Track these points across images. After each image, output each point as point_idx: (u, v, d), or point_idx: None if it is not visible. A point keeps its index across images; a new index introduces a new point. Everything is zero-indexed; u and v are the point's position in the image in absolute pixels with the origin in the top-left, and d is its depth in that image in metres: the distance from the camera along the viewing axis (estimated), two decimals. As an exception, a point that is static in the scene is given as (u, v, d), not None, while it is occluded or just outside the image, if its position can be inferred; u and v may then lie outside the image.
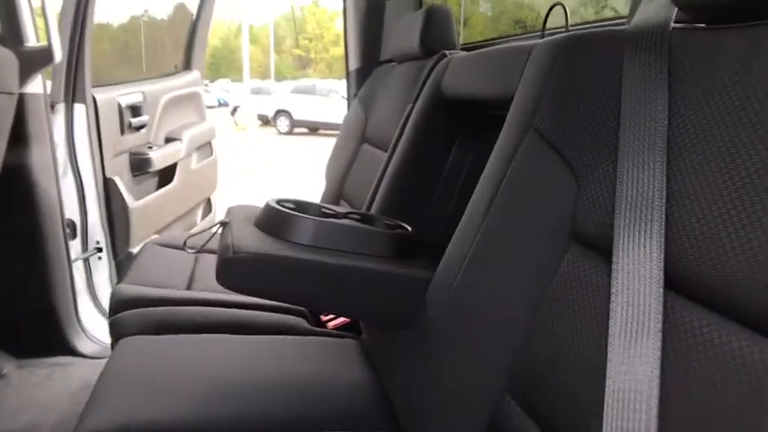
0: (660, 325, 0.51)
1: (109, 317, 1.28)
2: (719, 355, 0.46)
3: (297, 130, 14.89)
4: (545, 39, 0.82)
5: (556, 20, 1.27)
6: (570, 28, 1.22)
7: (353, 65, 2.03)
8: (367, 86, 1.85)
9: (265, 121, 15.93)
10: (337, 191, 1.75)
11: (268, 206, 0.97)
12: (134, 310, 1.23)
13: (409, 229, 1.03)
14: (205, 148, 2.81)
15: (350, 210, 1.09)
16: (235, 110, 16.55)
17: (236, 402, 0.93)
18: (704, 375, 0.47)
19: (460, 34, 2.14)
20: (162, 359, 1.05)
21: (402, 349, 0.90)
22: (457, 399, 0.76)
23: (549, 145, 0.72)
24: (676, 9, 0.63)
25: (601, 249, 0.60)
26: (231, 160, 6.83)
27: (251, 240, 0.87)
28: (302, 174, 6.64)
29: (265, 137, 13.92)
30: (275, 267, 0.84)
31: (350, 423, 0.94)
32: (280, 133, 14.80)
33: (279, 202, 1.00)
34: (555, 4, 1.17)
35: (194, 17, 2.73)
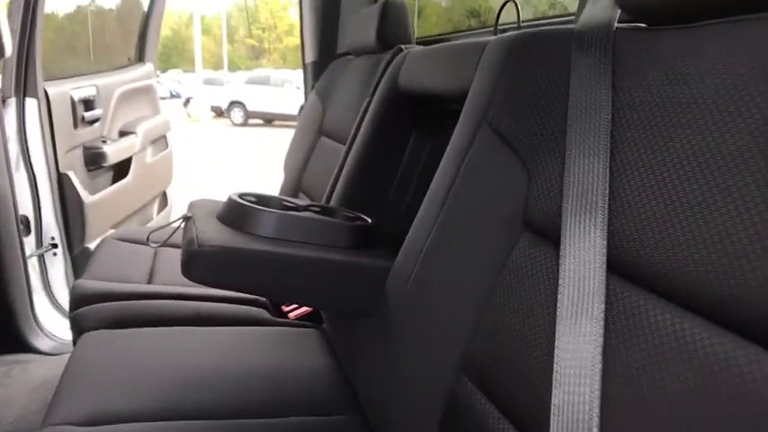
0: (603, 306, 0.56)
1: (70, 312, 1.27)
2: (658, 335, 0.50)
3: (251, 121, 14.72)
4: (498, 36, 0.86)
5: (508, 16, 1.31)
6: (521, 24, 1.27)
7: (310, 57, 2.05)
8: (324, 79, 1.87)
9: (219, 112, 15.71)
10: (296, 183, 1.77)
11: (230, 200, 0.99)
12: (95, 305, 1.23)
13: (369, 220, 1.07)
14: (160, 141, 2.78)
15: (310, 202, 1.11)
16: (187, 101, 16.25)
17: (201, 391, 0.95)
18: (643, 355, 0.51)
19: (415, 25, 2.17)
20: (126, 352, 1.06)
21: (363, 338, 0.94)
22: (416, 385, 0.80)
23: (501, 139, 0.76)
24: (620, 9, 0.68)
25: (550, 237, 0.65)
26: (185, 153, 6.73)
27: (215, 234, 0.89)
28: (258, 165, 6.59)
29: (219, 129, 13.73)
30: (239, 260, 0.86)
31: (314, 408, 0.97)
32: (234, 125, 14.61)
33: (241, 195, 1.02)
34: (507, 1, 1.21)
35: (147, 9, 2.69)
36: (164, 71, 25.21)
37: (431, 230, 0.82)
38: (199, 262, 0.84)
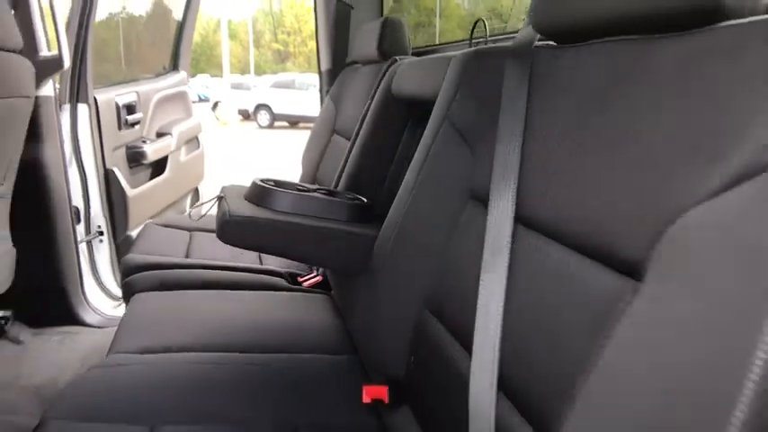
0: (509, 248, 0.79)
1: (121, 280, 1.54)
2: (548, 268, 0.72)
3: (277, 123, 15.09)
4: (460, 51, 1.10)
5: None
6: (489, 38, 1.51)
7: (324, 66, 2.31)
8: (337, 85, 2.12)
9: (246, 115, 16.11)
10: (312, 175, 2.02)
11: (254, 183, 1.25)
12: (143, 273, 1.50)
13: (364, 200, 1.32)
14: (192, 141, 3.06)
15: (318, 186, 1.37)
16: (215, 105, 16.71)
17: (233, 334, 1.21)
18: (540, 291, 0.72)
19: (437, 27, 2.40)
20: (170, 307, 1.32)
21: (356, 293, 1.19)
22: (392, 322, 1.04)
23: (456, 131, 1.00)
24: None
25: (483, 201, 0.88)
26: (215, 154, 7.06)
27: (242, 208, 1.15)
28: (281, 163, 6.86)
29: (246, 131, 14.12)
30: (260, 227, 1.12)
31: (321, 349, 1.22)
32: (260, 127, 14.99)
33: (262, 180, 1.28)
34: (477, 20, 1.45)
35: (180, 22, 2.97)
36: (193, 76, 25.82)
37: (405, 204, 1.06)
38: (230, 228, 1.10)
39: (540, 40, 0.93)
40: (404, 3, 3.14)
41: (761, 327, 0.40)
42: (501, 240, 0.81)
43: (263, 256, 1.74)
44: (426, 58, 1.38)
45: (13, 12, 1.69)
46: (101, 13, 2.85)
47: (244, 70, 26.57)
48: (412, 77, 1.40)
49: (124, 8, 3.18)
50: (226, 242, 1.11)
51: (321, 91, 2.39)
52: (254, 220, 1.10)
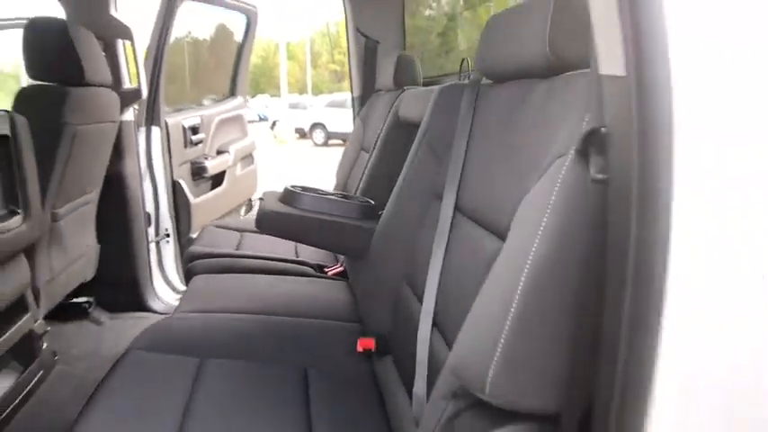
0: (449, 229, 1.13)
1: (184, 266, 1.94)
2: (471, 245, 1.05)
3: (331, 141, 15.63)
4: (438, 85, 1.44)
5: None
6: (472, 71, 1.84)
7: (356, 92, 2.70)
8: (365, 108, 2.50)
9: (302, 134, 16.75)
10: (343, 184, 2.40)
11: (286, 188, 1.63)
12: (202, 260, 1.89)
13: (372, 202, 1.67)
14: (247, 158, 3.48)
15: (336, 191, 1.73)
16: (274, 124, 17.44)
17: (265, 305, 1.57)
18: (463, 256, 1.06)
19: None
20: (220, 285, 1.70)
21: (360, 272, 1.54)
22: (380, 295, 1.38)
23: (430, 147, 1.34)
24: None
25: (440, 199, 1.22)
26: (271, 169, 7.56)
27: (274, 206, 1.52)
28: (328, 178, 7.25)
29: (302, 149, 14.71)
30: (286, 220, 1.49)
31: (332, 317, 1.57)
32: (316, 145, 15.57)
33: (293, 186, 1.65)
34: (463, 59, 1.79)
35: (236, 53, 3.41)
36: (253, 97, 26.92)
37: (393, 205, 1.41)
38: (264, 220, 1.47)
39: (486, 79, 1.26)
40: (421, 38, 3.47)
41: (526, 260, 0.72)
42: (445, 224, 1.15)
43: (299, 248, 2.12)
44: (420, 89, 1.73)
45: (104, 54, 2.13)
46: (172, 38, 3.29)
47: (302, 90, 27.45)
48: (411, 105, 1.76)
49: (189, 33, 3.59)
50: (262, 231, 1.48)
51: (354, 113, 2.77)
52: (282, 215, 1.48)
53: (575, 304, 0.66)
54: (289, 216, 1.48)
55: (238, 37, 3.43)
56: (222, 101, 3.35)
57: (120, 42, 2.26)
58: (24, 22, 1.87)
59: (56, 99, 1.75)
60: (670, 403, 0.57)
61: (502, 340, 0.68)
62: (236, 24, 3.42)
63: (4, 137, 1.54)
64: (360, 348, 1.33)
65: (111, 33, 2.23)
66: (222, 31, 3.77)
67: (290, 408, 1.13)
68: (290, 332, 1.43)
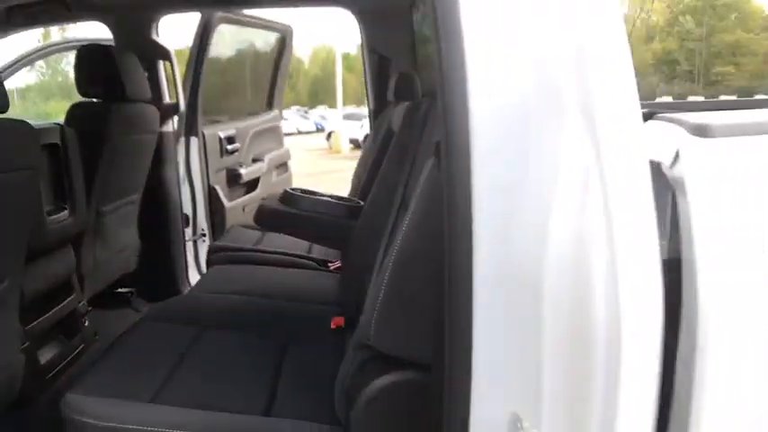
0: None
1: (207, 257, 2.22)
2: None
3: (385, 152, 15.95)
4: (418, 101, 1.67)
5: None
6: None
7: (371, 106, 2.95)
8: (378, 120, 2.74)
9: (357, 144, 17.13)
10: (356, 190, 2.64)
11: (285, 191, 1.88)
12: (221, 253, 2.17)
13: (361, 203, 1.90)
14: (282, 166, 3.77)
15: (332, 194, 1.98)
16: (329, 135, 17.93)
17: (278, 289, 1.83)
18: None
19: None
20: (234, 273, 1.97)
21: (345, 260, 1.77)
22: (356, 278, 1.61)
23: (400, 152, 1.57)
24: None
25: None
26: (322, 177, 7.91)
27: (273, 205, 1.78)
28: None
29: (355, 158, 15.06)
30: (281, 216, 1.74)
31: (321, 302, 1.81)
32: (369, 155, 15.90)
33: (292, 189, 1.90)
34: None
35: (273, 70, 3.70)
36: (312, 107, 27.65)
37: (369, 202, 1.64)
38: (262, 216, 1.74)
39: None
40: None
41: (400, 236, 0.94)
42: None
43: (313, 247, 2.38)
44: (404, 104, 1.97)
45: (146, 74, 2.44)
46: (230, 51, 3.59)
47: (360, 102, 27.94)
48: (396, 118, 1.99)
49: (252, 44, 3.87)
50: (260, 226, 1.74)
51: (370, 124, 3.02)
52: (275, 212, 1.74)
53: (433, 271, 0.88)
54: (281, 213, 1.74)
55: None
56: (258, 114, 3.66)
57: (160, 63, 2.58)
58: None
59: (100, 113, 2.06)
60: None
61: (380, 298, 0.91)
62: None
63: (56, 145, 1.85)
64: (333, 326, 1.56)
65: (153, 55, 2.55)
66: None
67: (263, 375, 1.34)
68: (279, 312, 1.67)
